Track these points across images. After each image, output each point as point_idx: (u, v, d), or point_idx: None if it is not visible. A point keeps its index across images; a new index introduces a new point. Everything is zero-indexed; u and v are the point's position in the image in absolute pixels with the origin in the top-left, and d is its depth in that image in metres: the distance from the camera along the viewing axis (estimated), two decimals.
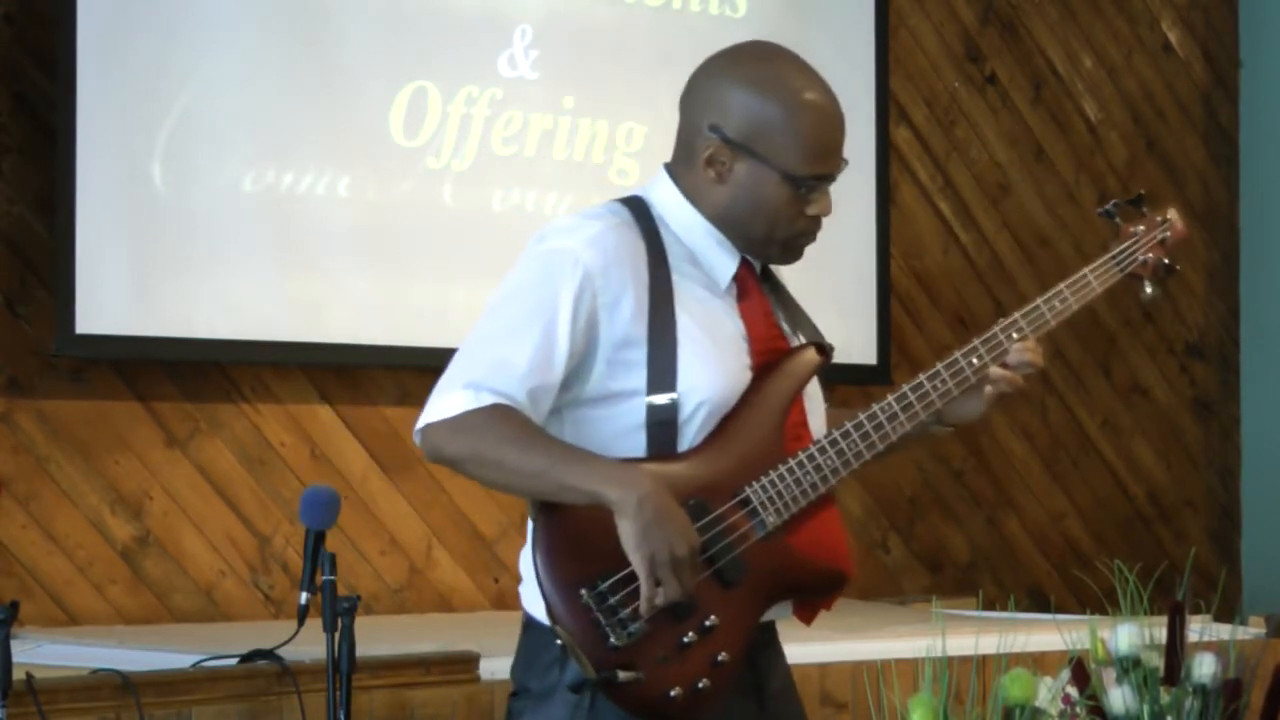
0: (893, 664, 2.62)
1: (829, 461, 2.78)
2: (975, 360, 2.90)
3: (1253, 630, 4.66)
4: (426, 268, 5.34)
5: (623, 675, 2.62)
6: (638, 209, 2.81)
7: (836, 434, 2.80)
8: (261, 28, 5.09)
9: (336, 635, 3.25)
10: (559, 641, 2.65)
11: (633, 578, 2.63)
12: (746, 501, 2.73)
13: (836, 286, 5.96)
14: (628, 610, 2.63)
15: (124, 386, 5.01)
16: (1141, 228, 3.09)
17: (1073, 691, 2.63)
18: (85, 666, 3.81)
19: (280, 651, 3.83)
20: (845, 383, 5.56)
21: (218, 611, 5.08)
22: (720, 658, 2.68)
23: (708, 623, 2.68)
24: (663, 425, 2.71)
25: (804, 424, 2.83)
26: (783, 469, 2.75)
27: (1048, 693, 2.58)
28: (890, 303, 6.15)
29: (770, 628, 2.86)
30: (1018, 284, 6.55)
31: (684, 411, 2.72)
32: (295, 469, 5.20)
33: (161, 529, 5.03)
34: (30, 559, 4.86)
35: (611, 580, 2.64)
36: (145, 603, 5.00)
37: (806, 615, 2.86)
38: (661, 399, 2.71)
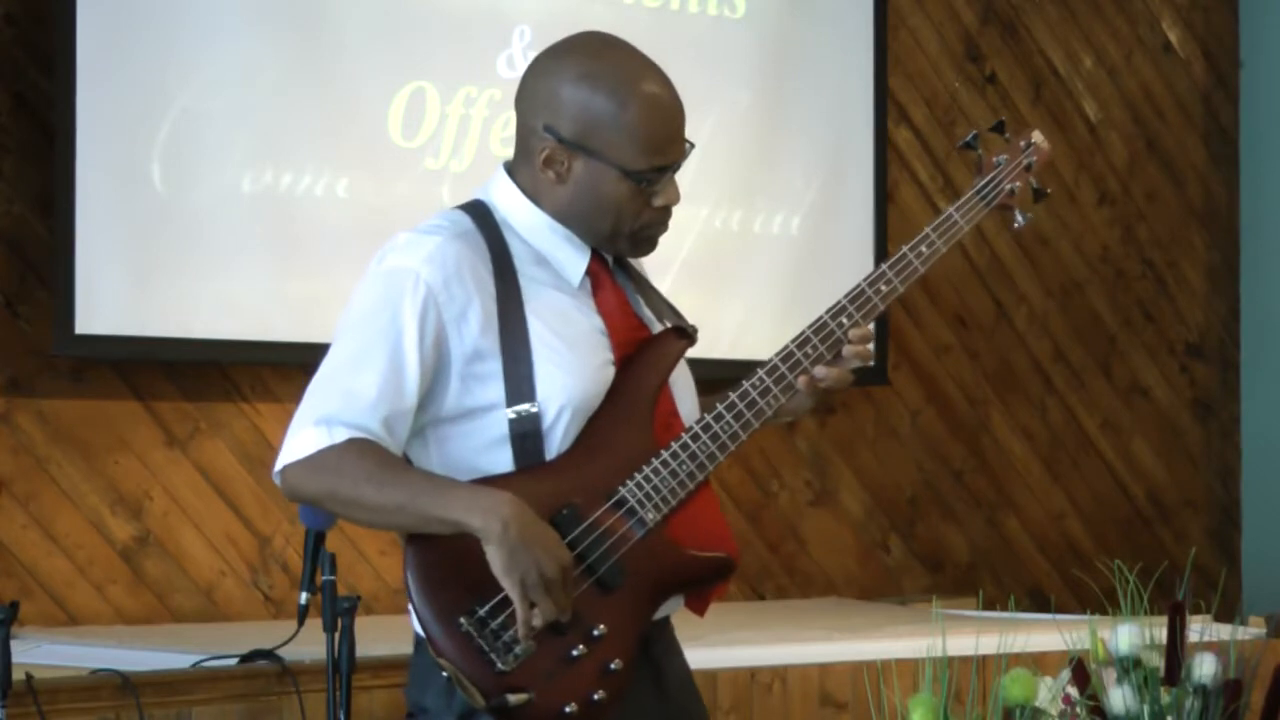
0: (893, 664, 2.62)
1: (704, 448, 2.71)
2: (845, 320, 2.83)
3: (1253, 630, 4.65)
4: None
5: (513, 699, 2.56)
6: (479, 214, 2.74)
7: (709, 418, 2.73)
8: (261, 28, 5.09)
9: (336, 635, 3.25)
10: (445, 674, 2.60)
11: (510, 600, 2.57)
12: (623, 502, 2.67)
13: (836, 286, 5.93)
14: (510, 633, 2.58)
15: (124, 386, 5.01)
16: (1005, 156, 2.99)
17: (1073, 691, 2.62)
18: (85, 666, 3.81)
19: (280, 651, 3.84)
20: None
21: (218, 611, 5.08)
22: (613, 665, 2.63)
23: (596, 632, 2.63)
24: (526, 436, 2.65)
25: (674, 412, 2.77)
26: (656, 463, 2.68)
27: (1048, 693, 2.57)
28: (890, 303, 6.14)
29: (664, 624, 2.80)
30: (1017, 284, 6.55)
31: (546, 419, 2.65)
32: None
33: (161, 529, 5.03)
34: (30, 559, 4.86)
35: (489, 605, 2.58)
36: (145, 603, 5.00)
37: (699, 607, 2.79)
38: (521, 410, 2.64)
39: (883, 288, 2.86)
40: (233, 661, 3.89)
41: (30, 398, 4.89)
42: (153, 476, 5.03)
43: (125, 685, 3.65)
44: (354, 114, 5.22)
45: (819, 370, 2.80)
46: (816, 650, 4.25)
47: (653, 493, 2.68)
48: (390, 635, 4.44)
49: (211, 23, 4.99)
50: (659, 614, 2.74)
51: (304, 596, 3.29)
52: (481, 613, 2.58)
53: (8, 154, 4.89)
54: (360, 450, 2.60)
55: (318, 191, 5.16)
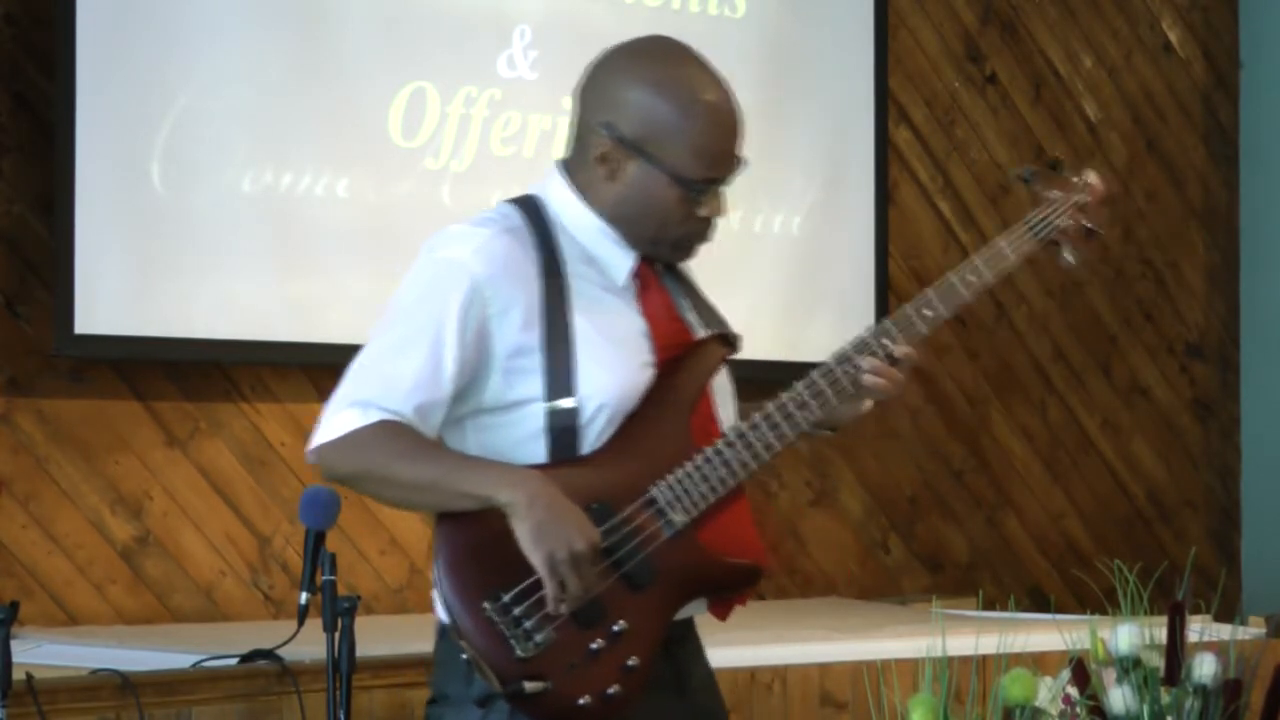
0: (893, 664, 2.63)
1: (738, 455, 2.73)
2: (887, 341, 2.83)
3: (1253, 630, 4.65)
4: None
5: (529, 686, 2.59)
6: (530, 210, 2.78)
7: (744, 427, 2.75)
8: (261, 28, 5.09)
9: (336, 635, 3.24)
10: (465, 659, 2.62)
11: (536, 587, 2.60)
12: (653, 501, 2.69)
13: (836, 286, 5.96)
14: (532, 621, 2.60)
15: (124, 386, 5.01)
16: (1058, 193, 3.02)
17: (1073, 691, 2.62)
18: (85, 666, 3.81)
19: (280, 651, 3.84)
20: None
21: (218, 611, 5.08)
22: (630, 663, 2.65)
23: (616, 628, 2.65)
24: (564, 430, 2.68)
25: (712, 418, 2.79)
26: (689, 466, 2.71)
27: (1048, 693, 2.58)
28: (890, 303, 6.14)
29: (688, 624, 2.82)
30: (1017, 284, 6.55)
31: (584, 415, 2.69)
32: (295, 469, 5.20)
33: (161, 529, 5.03)
34: (30, 559, 4.86)
35: (514, 591, 2.61)
36: (145, 603, 5.00)
37: (721, 612, 2.82)
38: (561, 404, 2.68)
39: (926, 312, 2.87)
40: (233, 661, 3.89)
41: (30, 398, 4.89)
42: (153, 476, 5.03)
43: (125, 685, 3.65)
44: (354, 114, 5.22)
45: (865, 379, 2.80)
46: (816, 650, 4.25)
47: (684, 495, 2.71)
48: (390, 635, 4.44)
49: (212, 22, 4.99)
50: (681, 614, 2.76)
51: (304, 596, 3.28)
52: (505, 599, 2.61)
53: (8, 154, 4.89)
54: (393, 430, 2.65)
55: (318, 191, 5.16)
